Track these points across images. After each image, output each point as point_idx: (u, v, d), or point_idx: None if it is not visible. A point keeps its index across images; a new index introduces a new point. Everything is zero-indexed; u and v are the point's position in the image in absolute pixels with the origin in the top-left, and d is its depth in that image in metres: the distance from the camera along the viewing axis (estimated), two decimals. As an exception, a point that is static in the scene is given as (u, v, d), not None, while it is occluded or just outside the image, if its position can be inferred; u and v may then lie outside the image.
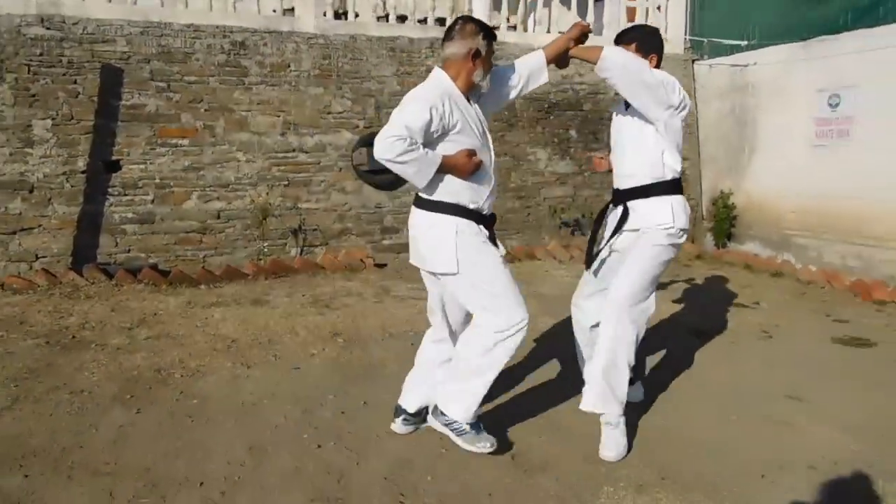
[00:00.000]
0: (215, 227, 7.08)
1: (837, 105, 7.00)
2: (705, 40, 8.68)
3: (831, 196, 7.12)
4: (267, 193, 7.20)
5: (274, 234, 7.25)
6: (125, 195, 6.76)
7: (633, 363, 3.23)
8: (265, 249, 7.21)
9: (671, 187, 3.25)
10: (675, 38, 8.95)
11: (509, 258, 7.70)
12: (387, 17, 8.11)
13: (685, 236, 3.27)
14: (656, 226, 3.19)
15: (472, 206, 2.99)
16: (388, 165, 2.83)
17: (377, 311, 5.55)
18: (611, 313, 3.19)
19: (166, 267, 6.74)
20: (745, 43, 8.27)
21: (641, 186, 3.25)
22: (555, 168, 8.50)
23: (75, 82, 6.57)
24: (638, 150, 3.25)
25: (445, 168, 2.90)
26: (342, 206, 7.58)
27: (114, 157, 6.72)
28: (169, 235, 6.91)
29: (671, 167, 3.22)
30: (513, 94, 3.23)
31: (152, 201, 6.86)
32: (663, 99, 3.07)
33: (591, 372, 3.24)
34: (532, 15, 8.64)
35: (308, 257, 7.27)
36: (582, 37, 3.27)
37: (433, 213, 2.97)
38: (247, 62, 7.19)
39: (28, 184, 6.40)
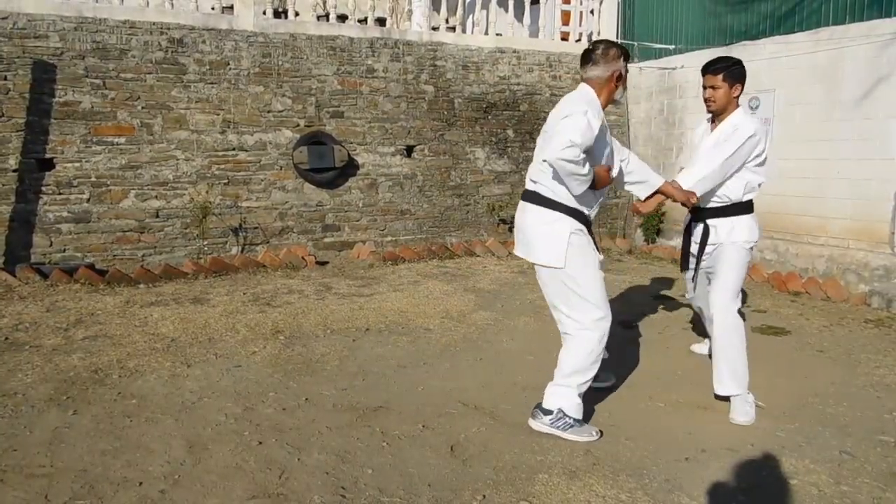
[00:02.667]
0: (154, 225, 7.01)
1: (757, 107, 7.37)
2: (636, 44, 8.98)
3: (751, 193, 7.51)
4: (206, 192, 7.15)
5: (214, 232, 7.21)
6: (60, 194, 6.63)
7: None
8: (205, 248, 7.17)
9: (746, 208, 3.75)
10: (608, 41, 9.23)
11: (448, 254, 7.87)
12: (327, 16, 8.14)
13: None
14: (738, 241, 3.70)
15: (585, 211, 3.31)
16: (563, 165, 3.06)
17: (318, 308, 5.60)
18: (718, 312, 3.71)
19: (103, 266, 6.64)
20: (674, 47, 8.61)
21: (722, 207, 3.73)
22: (493, 167, 8.68)
23: (5, 78, 6.41)
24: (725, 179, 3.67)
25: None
26: (283, 205, 7.59)
27: (47, 156, 6.59)
28: (106, 234, 6.81)
29: (749, 192, 3.71)
30: (615, 164, 3.51)
31: (88, 200, 6.74)
32: (745, 158, 3.61)
33: (721, 363, 3.73)
34: (470, 17, 8.79)
35: (249, 255, 7.26)
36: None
37: (551, 211, 3.27)
38: (185, 60, 7.12)
39: (-45, 183, 6.22)
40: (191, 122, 7.16)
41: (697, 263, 3.91)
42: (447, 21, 8.65)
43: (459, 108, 8.44)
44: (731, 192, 3.69)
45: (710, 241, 3.76)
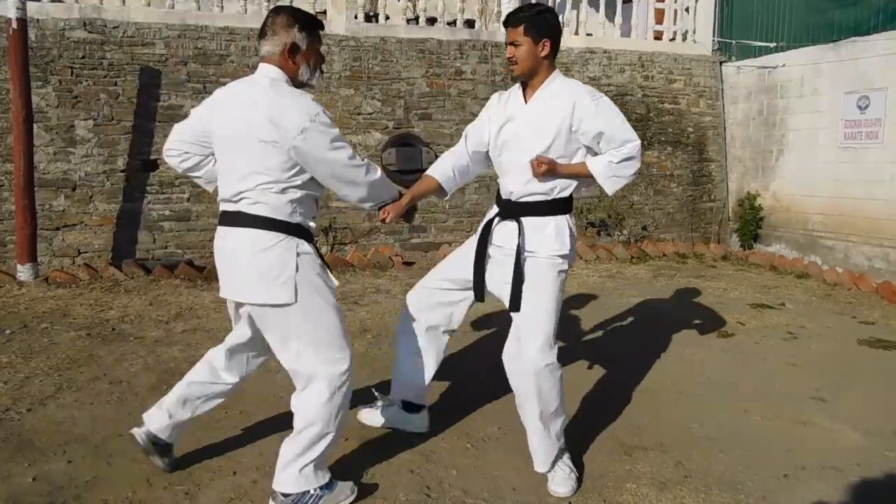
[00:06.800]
0: (248, 224, 7.24)
1: (867, 107, 6.95)
2: (733, 42, 8.64)
3: (858, 198, 7.08)
4: (298, 192, 7.33)
5: (304, 232, 7.38)
6: (163, 193, 6.97)
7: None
8: (296, 247, 7.35)
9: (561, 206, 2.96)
10: (703, 40, 8.93)
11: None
12: (416, 19, 8.22)
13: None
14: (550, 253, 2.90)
15: (311, 226, 2.58)
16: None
17: (404, 309, 5.64)
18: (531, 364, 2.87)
19: (202, 263, 6.91)
20: (774, 44, 8.23)
21: (537, 203, 2.92)
22: (582, 168, 8.53)
23: (116, 84, 6.79)
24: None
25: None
26: (371, 205, 7.69)
27: (152, 157, 6.93)
28: (205, 232, 7.10)
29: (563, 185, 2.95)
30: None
31: (188, 199, 7.06)
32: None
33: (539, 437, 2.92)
34: (561, 16, 8.68)
35: (338, 255, 7.41)
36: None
37: (268, 232, 2.46)
38: (280, 64, 7.34)
39: (71, 182, 6.64)
40: (285, 124, 7.36)
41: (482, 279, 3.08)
42: (536, 22, 8.57)
43: (547, 109, 8.35)
44: (554, 184, 2.89)
45: (518, 245, 2.90)
